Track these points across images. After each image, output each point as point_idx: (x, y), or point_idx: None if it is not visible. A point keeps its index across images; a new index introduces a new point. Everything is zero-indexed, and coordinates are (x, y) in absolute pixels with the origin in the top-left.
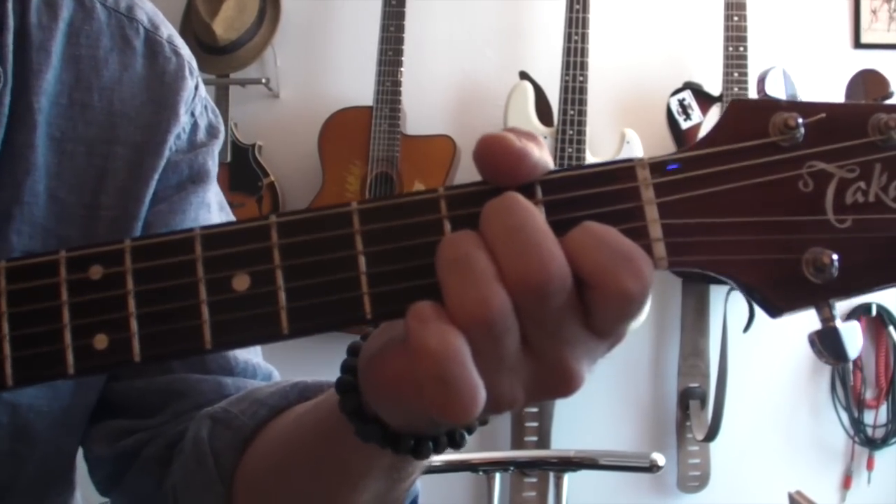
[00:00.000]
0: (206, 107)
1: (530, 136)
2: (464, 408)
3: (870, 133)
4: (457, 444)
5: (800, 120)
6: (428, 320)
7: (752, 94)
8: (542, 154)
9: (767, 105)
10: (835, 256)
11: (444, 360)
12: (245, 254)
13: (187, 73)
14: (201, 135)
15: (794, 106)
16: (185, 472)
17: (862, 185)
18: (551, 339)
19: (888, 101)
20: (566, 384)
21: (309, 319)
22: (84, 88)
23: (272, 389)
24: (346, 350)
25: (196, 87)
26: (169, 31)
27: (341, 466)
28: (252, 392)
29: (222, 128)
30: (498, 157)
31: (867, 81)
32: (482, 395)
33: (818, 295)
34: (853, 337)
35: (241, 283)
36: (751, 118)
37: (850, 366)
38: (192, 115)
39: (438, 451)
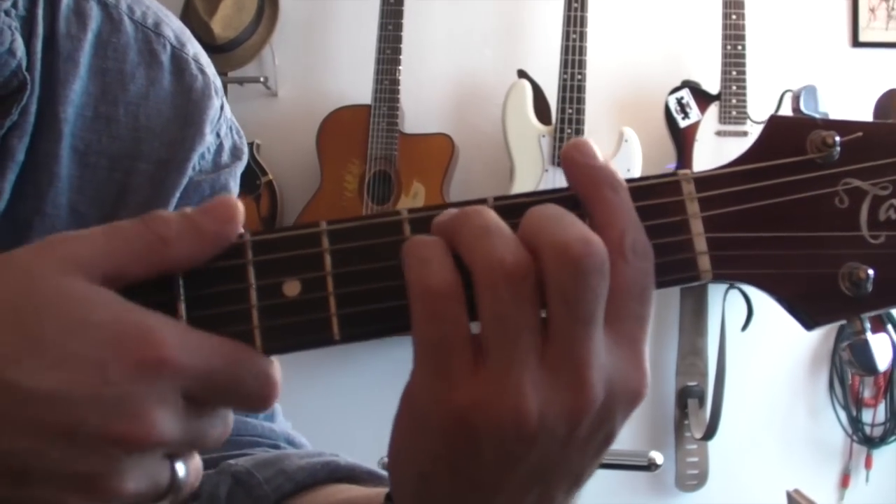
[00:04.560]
0: (231, 127)
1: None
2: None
3: None
4: None
5: (837, 138)
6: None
7: (751, 93)
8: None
9: (805, 123)
10: (870, 271)
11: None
12: (296, 259)
13: (213, 92)
14: (226, 156)
15: (832, 124)
16: None
17: (894, 202)
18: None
19: None
20: (579, 388)
21: (360, 326)
22: (110, 102)
23: (301, 463)
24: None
25: (221, 107)
26: (195, 48)
27: None
28: (281, 459)
29: (246, 149)
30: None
31: None
32: None
33: (852, 309)
34: (883, 349)
35: (292, 288)
36: (789, 135)
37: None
38: (218, 135)
39: None
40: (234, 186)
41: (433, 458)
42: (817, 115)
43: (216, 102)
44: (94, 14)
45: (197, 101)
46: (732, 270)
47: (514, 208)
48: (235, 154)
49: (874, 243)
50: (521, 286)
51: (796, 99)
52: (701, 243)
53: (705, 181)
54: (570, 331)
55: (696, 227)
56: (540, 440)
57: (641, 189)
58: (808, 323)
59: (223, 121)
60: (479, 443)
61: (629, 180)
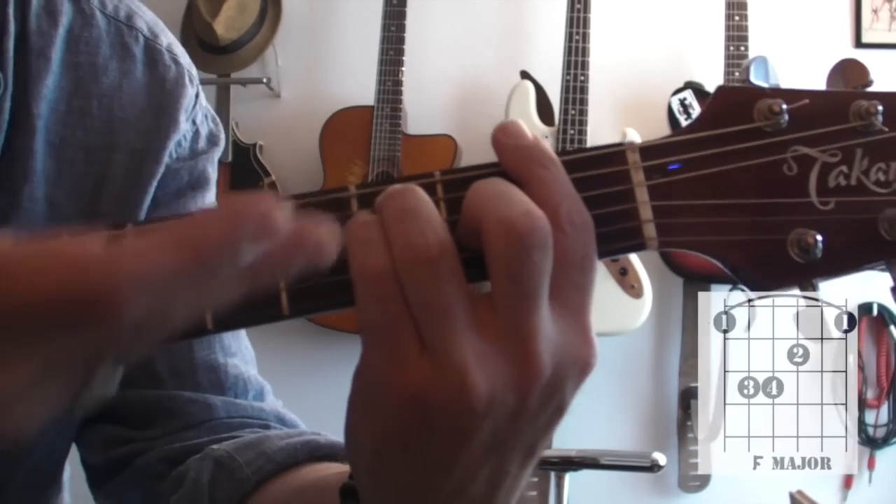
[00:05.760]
0: (206, 115)
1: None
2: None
3: (851, 119)
4: None
5: (784, 106)
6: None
7: None
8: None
9: (753, 92)
10: (819, 237)
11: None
12: None
13: (187, 81)
14: (202, 143)
15: (779, 92)
16: None
17: (844, 168)
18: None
19: (868, 89)
20: (526, 361)
21: (309, 301)
22: (83, 95)
23: (282, 444)
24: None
25: (196, 96)
26: (168, 39)
27: None
28: (262, 441)
29: (222, 136)
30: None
31: (847, 70)
32: None
33: (803, 274)
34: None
35: None
36: (737, 104)
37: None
38: (194, 122)
39: None
40: (213, 172)
41: (386, 436)
42: (766, 86)
43: (191, 91)
44: (66, 10)
45: (171, 91)
46: (679, 238)
47: (461, 182)
48: (212, 140)
49: (823, 209)
50: (436, 267)
51: (746, 70)
52: (646, 211)
53: (651, 150)
54: (515, 305)
55: (642, 195)
56: (491, 414)
57: (586, 160)
58: (759, 290)
59: (199, 108)
60: (431, 420)
61: (575, 150)
